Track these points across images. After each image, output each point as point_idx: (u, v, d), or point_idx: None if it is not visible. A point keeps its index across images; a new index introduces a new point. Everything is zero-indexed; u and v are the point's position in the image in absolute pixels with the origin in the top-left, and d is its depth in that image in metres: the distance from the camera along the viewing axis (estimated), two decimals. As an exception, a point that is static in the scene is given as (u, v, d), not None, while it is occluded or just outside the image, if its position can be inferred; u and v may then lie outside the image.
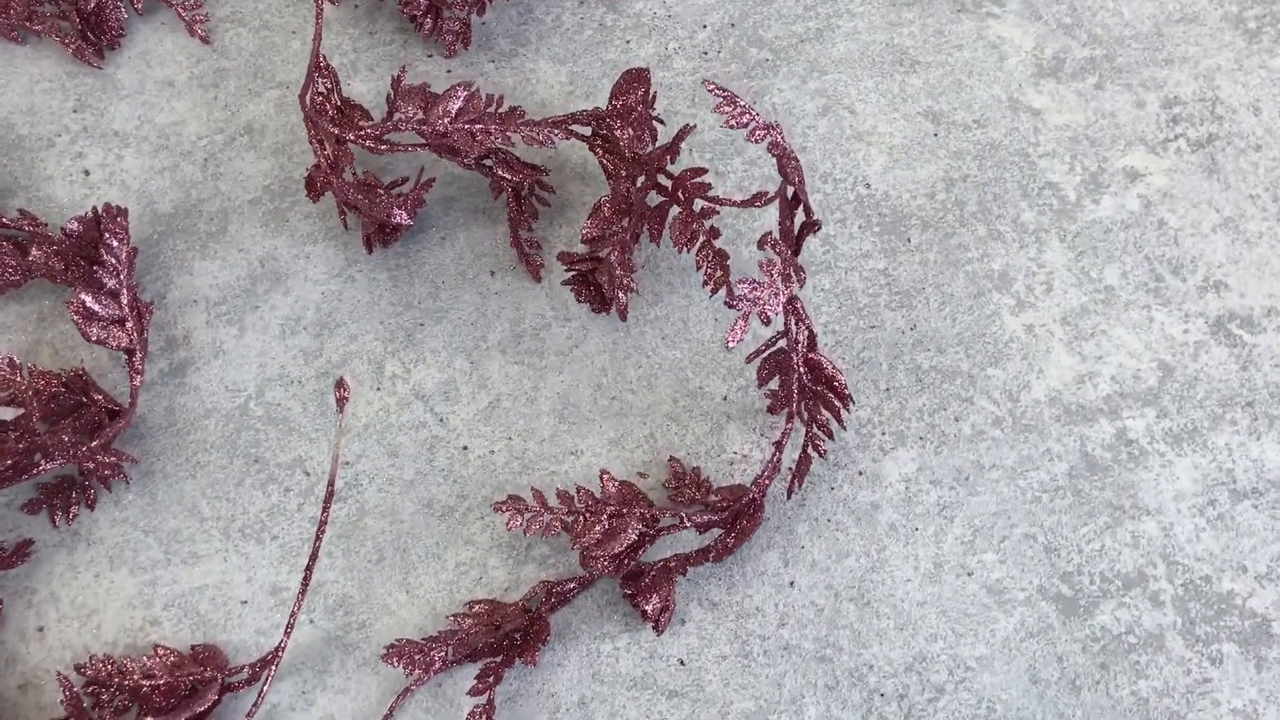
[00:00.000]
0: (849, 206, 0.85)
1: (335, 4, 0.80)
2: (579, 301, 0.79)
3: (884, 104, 0.89)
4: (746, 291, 0.63)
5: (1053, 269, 0.83)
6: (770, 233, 0.64)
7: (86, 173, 0.86)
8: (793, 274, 0.64)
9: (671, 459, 0.76)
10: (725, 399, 0.79)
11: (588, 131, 0.81)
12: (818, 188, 0.86)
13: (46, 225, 0.82)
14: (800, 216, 0.67)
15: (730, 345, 0.62)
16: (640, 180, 0.76)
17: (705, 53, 0.91)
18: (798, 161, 0.65)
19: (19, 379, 0.75)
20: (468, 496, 0.76)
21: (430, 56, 0.91)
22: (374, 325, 0.81)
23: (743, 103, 0.63)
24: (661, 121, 0.77)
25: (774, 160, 0.86)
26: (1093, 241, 0.84)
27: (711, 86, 0.63)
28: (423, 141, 0.76)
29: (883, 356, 0.80)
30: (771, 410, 0.77)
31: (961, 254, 0.83)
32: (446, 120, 0.74)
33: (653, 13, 0.93)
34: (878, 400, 0.79)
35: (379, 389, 0.79)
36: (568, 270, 0.77)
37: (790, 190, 0.66)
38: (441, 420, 0.78)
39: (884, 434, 0.78)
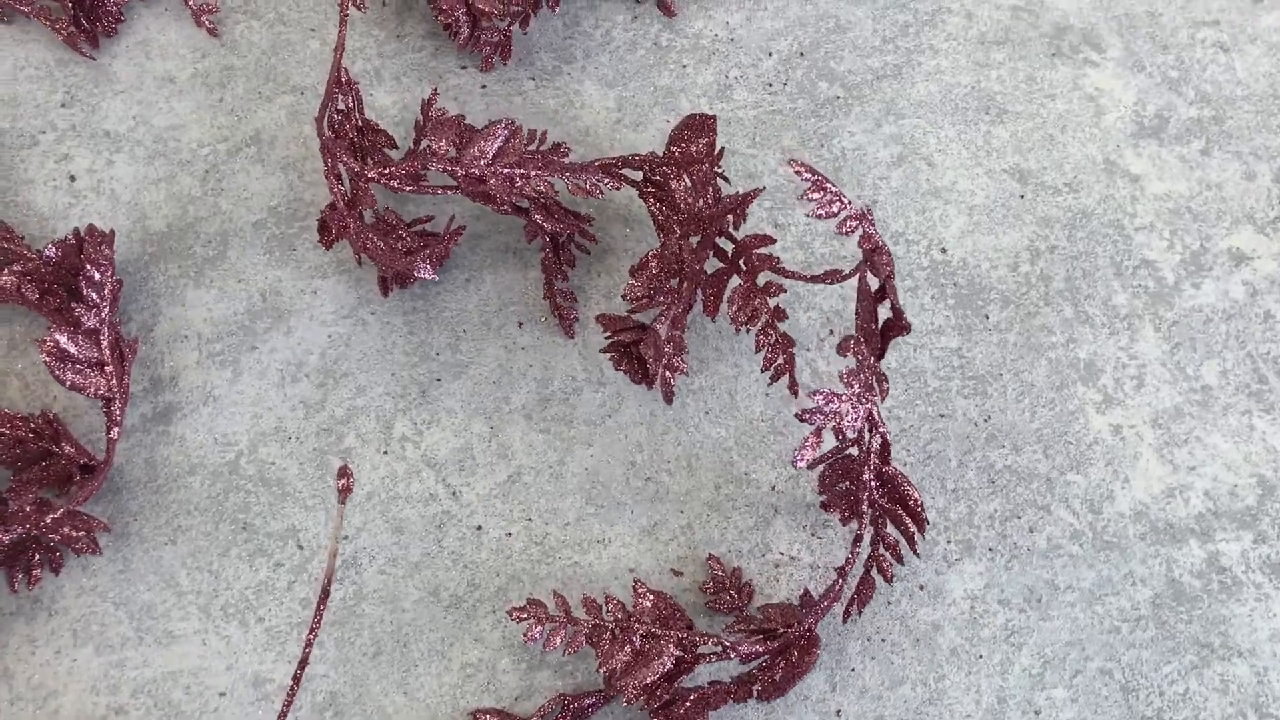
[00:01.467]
0: (921, 273, 0.76)
1: (363, 10, 0.71)
2: (618, 369, 0.70)
3: (966, 157, 0.80)
4: (822, 403, 0.54)
5: (1145, 361, 0.74)
6: (853, 336, 0.55)
7: (72, 178, 0.77)
8: (875, 384, 0.56)
9: (710, 557, 0.68)
10: (774, 489, 0.70)
11: (638, 176, 0.72)
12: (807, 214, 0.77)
13: (24, 241, 0.72)
14: (884, 311, 0.58)
15: (799, 464, 0.54)
16: (696, 240, 0.67)
17: (769, 84, 0.82)
18: (890, 256, 0.56)
19: (-18, 420, 0.66)
20: (479, 586, 0.68)
21: (464, 69, 0.81)
22: (385, 377, 0.72)
23: (832, 188, 0.54)
24: (726, 179, 0.68)
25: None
26: (1191, 332, 0.75)
27: (798, 167, 0.54)
28: (454, 184, 0.67)
29: (952, 451, 0.71)
30: (825, 507, 0.69)
31: (1044, 337, 0.75)
32: (483, 162, 0.65)
33: (714, 34, 0.83)
34: (944, 502, 0.70)
35: (386, 452, 0.70)
36: (607, 336, 0.68)
37: (876, 284, 0.57)
38: (454, 494, 0.70)
39: (949, 542, 0.69)
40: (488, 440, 0.71)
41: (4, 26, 0.81)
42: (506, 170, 0.65)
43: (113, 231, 0.70)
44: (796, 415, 0.54)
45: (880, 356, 0.57)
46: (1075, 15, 0.84)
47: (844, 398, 0.54)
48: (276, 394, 0.72)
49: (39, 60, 0.80)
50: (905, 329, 0.57)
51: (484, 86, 0.81)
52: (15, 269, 0.69)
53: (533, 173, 0.66)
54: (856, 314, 0.60)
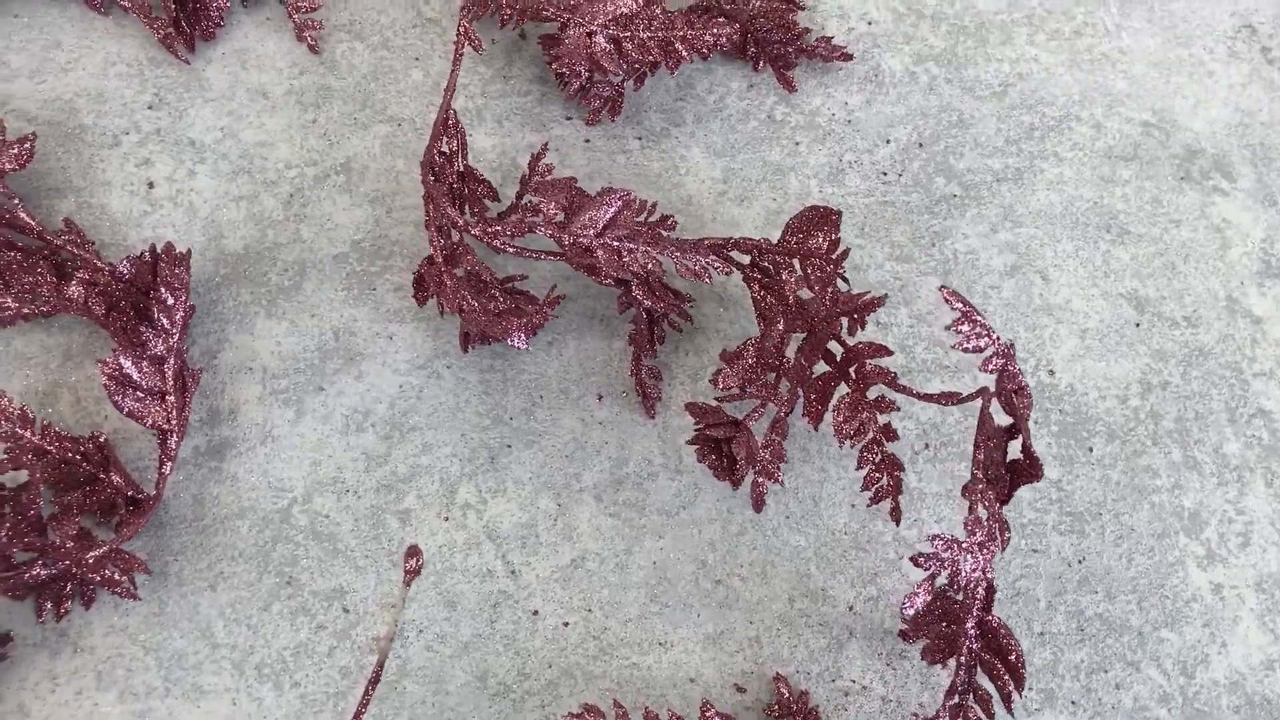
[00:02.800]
0: (1025, 394, 0.72)
1: (479, 51, 0.67)
2: (700, 462, 0.66)
3: (1082, 275, 0.76)
4: (940, 549, 0.50)
5: (1253, 519, 0.70)
6: (979, 482, 0.51)
7: (150, 185, 0.73)
8: (998, 533, 0.52)
9: (778, 676, 0.63)
10: (851, 609, 0.66)
11: (745, 258, 0.69)
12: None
13: (93, 247, 0.69)
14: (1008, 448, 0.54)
15: (906, 612, 0.49)
16: (802, 339, 0.63)
17: (884, 173, 0.78)
18: (1030, 399, 0.52)
19: (29, 435, 0.63)
20: (530, 676, 0.63)
21: (569, 119, 0.77)
22: (454, 437, 0.68)
23: (981, 320, 0.50)
24: (845, 279, 0.64)
25: (950, 318, 0.73)
26: (1304, 493, 0.71)
27: (948, 295, 0.50)
28: (558, 250, 0.63)
29: (1042, 591, 0.67)
30: (904, 638, 0.64)
31: (1149, 479, 0.70)
32: (592, 232, 0.61)
33: (831, 113, 0.79)
34: (1029, 644, 0.66)
35: (447, 519, 0.66)
36: (697, 426, 0.64)
37: (1008, 422, 0.53)
38: (513, 572, 0.65)
39: (1031, 689, 0.65)
40: (554, 518, 0.67)
41: (99, 18, 0.77)
42: (615, 243, 0.62)
43: (189, 251, 0.66)
44: (912, 560, 0.50)
45: (1005, 502, 0.53)
46: (1208, 139, 0.80)
47: (965, 546, 0.50)
48: (339, 442, 0.68)
49: (131, 57, 0.77)
50: (1037, 476, 0.52)
51: (587, 141, 0.77)
52: (83, 277, 0.66)
53: (641, 248, 0.62)
54: (976, 446, 0.56)
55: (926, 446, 0.70)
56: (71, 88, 0.75)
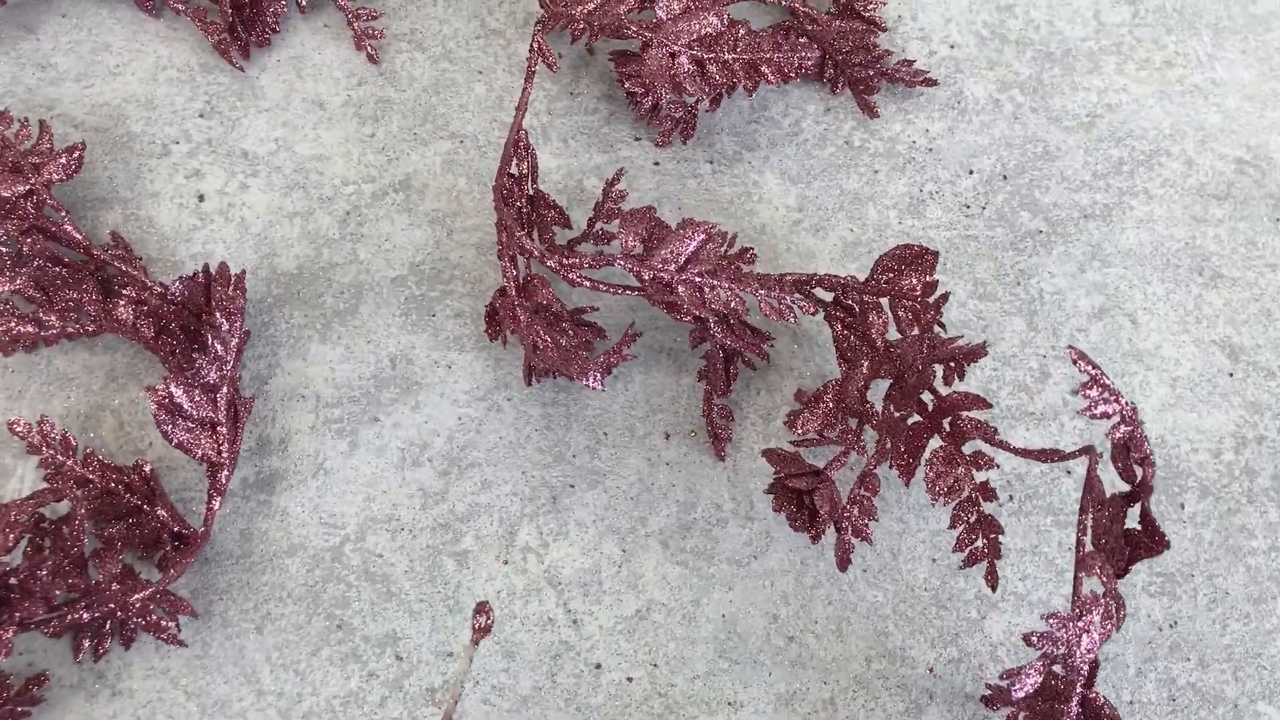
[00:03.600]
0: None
1: (553, 69, 0.64)
2: (777, 511, 0.62)
3: (1173, 320, 0.72)
4: (1055, 628, 0.46)
5: (1355, 585, 0.66)
6: (1096, 554, 0.47)
7: (201, 198, 0.70)
8: (1114, 611, 0.48)
9: (854, 742, 0.60)
10: (931, 671, 0.62)
11: (827, 295, 0.65)
12: (1080, 404, 0.69)
13: (141, 263, 0.65)
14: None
15: (1017, 694, 0.46)
16: (888, 384, 0.60)
17: (967, 205, 0.74)
18: (1154, 467, 0.49)
19: (71, 464, 0.59)
20: (593, 734, 0.60)
21: (638, 140, 0.74)
22: (514, 474, 0.65)
23: (1110, 385, 0.47)
24: (943, 326, 0.60)
25: (1042, 357, 0.70)
26: (1407, 559, 0.67)
27: (1076, 356, 0.47)
28: (636, 285, 0.59)
29: (1131, 656, 0.64)
30: (988, 704, 0.61)
31: (1245, 540, 0.67)
32: (673, 267, 0.58)
33: (912, 141, 0.76)
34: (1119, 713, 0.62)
35: (506, 562, 0.63)
36: (777, 474, 0.61)
37: (1126, 489, 0.50)
38: (575, 622, 0.62)
39: (1120, 764, 0.61)
40: (618, 565, 0.63)
41: (150, 20, 0.74)
42: (697, 279, 0.58)
43: (243, 272, 0.63)
44: (1025, 640, 0.46)
45: (1122, 575, 0.49)
46: (1306, 179, 0.76)
47: (1081, 625, 0.46)
48: (394, 476, 0.64)
49: (182, 62, 0.73)
50: (1159, 549, 0.49)
51: (656, 164, 0.73)
52: (130, 295, 0.62)
53: (724, 285, 0.58)
54: (1083, 510, 0.52)
55: (1010, 498, 0.67)
56: (120, 93, 0.72)
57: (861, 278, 0.71)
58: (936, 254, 0.59)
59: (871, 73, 0.75)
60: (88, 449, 0.60)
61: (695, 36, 0.63)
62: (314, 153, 0.72)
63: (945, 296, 0.58)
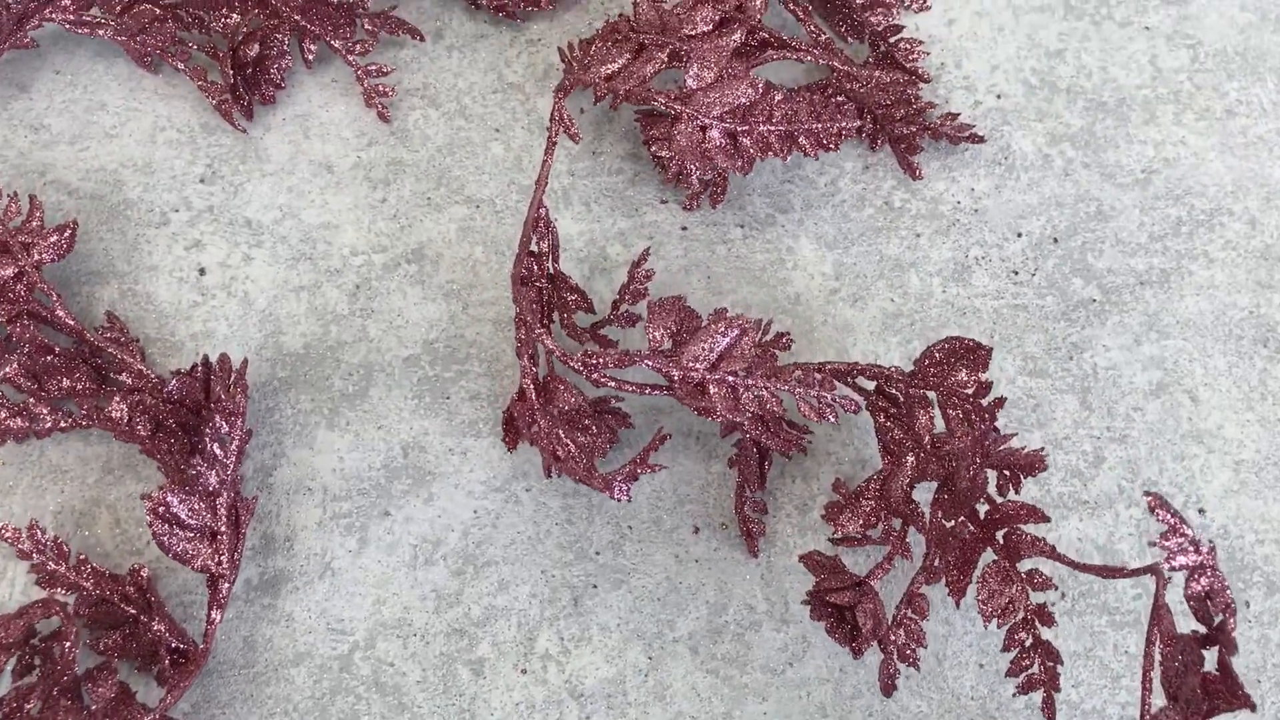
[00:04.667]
0: (1173, 536, 0.64)
1: (576, 140, 0.59)
2: (815, 621, 0.58)
3: (1236, 396, 0.67)
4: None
5: None
6: (1166, 709, 0.43)
7: (202, 271, 0.66)
8: (1188, 770, 0.44)
9: None
10: (978, 790, 0.58)
11: (869, 384, 0.61)
12: (1135, 499, 0.65)
13: (138, 345, 0.62)
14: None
15: None
16: (938, 489, 0.55)
17: (1015, 271, 0.70)
18: (1235, 610, 0.44)
19: (64, 570, 0.56)
20: None
21: (665, 203, 0.70)
22: (533, 573, 0.61)
23: (1189, 533, 0.42)
24: (997, 429, 0.56)
25: (1095, 439, 0.65)
26: None
27: (1155, 503, 0.42)
28: (664, 384, 0.55)
29: (1194, 772, 0.59)
30: (1041, 829, 0.57)
31: (1315, 642, 0.62)
32: (703, 366, 0.54)
33: (956, 201, 0.71)
34: (1179, 837, 0.58)
35: (525, 671, 0.59)
36: (814, 588, 0.57)
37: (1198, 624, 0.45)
38: (600, 737, 0.58)
39: None
40: (644, 674, 0.60)
41: (149, 76, 0.70)
42: (731, 379, 0.54)
43: (245, 364, 0.59)
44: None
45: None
46: (1378, 240, 0.71)
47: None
48: (406, 577, 0.60)
49: (182, 121, 0.69)
50: (1243, 705, 0.44)
51: (684, 228, 0.69)
52: (126, 383, 0.59)
53: (760, 383, 0.54)
54: (1149, 642, 0.48)
55: (1063, 596, 0.62)
56: (117, 156, 0.68)
57: (902, 354, 0.66)
58: (990, 350, 0.55)
59: (914, 129, 0.70)
60: (80, 555, 0.56)
61: (728, 108, 0.59)
62: (321, 220, 0.68)
63: (1001, 401, 0.54)
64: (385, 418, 0.63)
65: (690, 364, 0.54)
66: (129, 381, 0.60)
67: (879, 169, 0.72)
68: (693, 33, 0.64)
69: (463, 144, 0.70)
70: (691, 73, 0.59)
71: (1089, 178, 0.72)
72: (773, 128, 0.59)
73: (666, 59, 0.62)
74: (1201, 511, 0.65)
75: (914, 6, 0.75)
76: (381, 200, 0.68)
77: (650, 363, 0.54)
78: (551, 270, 0.61)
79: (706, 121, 0.59)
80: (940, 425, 0.60)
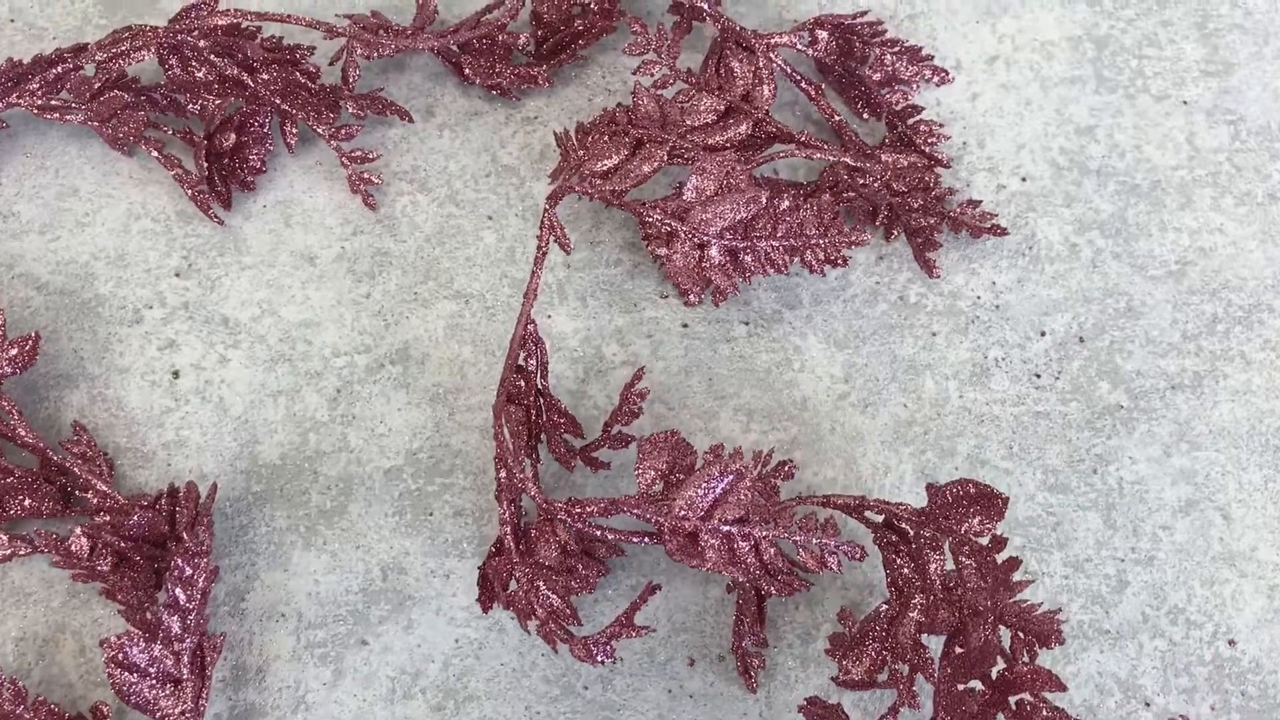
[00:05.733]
0: (1200, 670, 0.60)
1: (568, 251, 0.55)
2: (814, 771, 0.55)
3: (1273, 515, 0.63)
4: None
5: None
6: None
7: (175, 374, 0.63)
8: None
9: None
10: None
11: (878, 517, 0.57)
12: (1161, 629, 0.61)
13: (107, 458, 0.59)
14: None
15: None
16: (947, 641, 0.52)
17: (1038, 374, 0.65)
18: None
19: (19, 712, 0.53)
20: None
21: (665, 298, 0.66)
22: (517, 710, 0.58)
23: None
24: (1001, 547, 0.52)
25: (1119, 561, 0.61)
26: None
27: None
28: (652, 530, 0.51)
29: None
30: None
31: (1351, 791, 0.58)
32: (696, 515, 0.50)
33: (976, 296, 0.67)
34: None
35: (508, 817, 0.56)
36: (814, 737, 0.53)
37: None
38: None
39: None
40: (634, 819, 0.56)
41: (123, 159, 0.67)
42: (725, 528, 0.50)
43: (214, 490, 0.56)
44: None
45: None
46: None
47: None
48: (383, 712, 0.57)
49: (158, 209, 0.66)
50: None
51: (685, 325, 0.65)
52: (93, 502, 0.56)
53: (758, 533, 0.50)
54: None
55: (1081, 738, 0.59)
56: (88, 248, 0.65)
57: (914, 466, 0.62)
58: (1006, 500, 0.51)
59: (932, 221, 0.66)
60: (38, 697, 0.53)
61: (728, 224, 0.55)
62: (302, 318, 0.64)
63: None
64: (364, 536, 0.60)
65: (681, 511, 0.50)
66: (94, 501, 0.56)
67: (894, 259, 0.67)
68: (696, 124, 0.60)
69: (453, 233, 0.67)
70: (690, 185, 0.55)
71: (1119, 270, 0.68)
72: (776, 243, 0.55)
73: (666, 157, 0.58)
74: (1232, 643, 0.61)
75: (935, 80, 0.71)
76: (366, 295, 0.65)
77: (638, 512, 0.50)
78: (540, 385, 0.57)
79: (705, 239, 0.55)
80: (951, 563, 0.56)
